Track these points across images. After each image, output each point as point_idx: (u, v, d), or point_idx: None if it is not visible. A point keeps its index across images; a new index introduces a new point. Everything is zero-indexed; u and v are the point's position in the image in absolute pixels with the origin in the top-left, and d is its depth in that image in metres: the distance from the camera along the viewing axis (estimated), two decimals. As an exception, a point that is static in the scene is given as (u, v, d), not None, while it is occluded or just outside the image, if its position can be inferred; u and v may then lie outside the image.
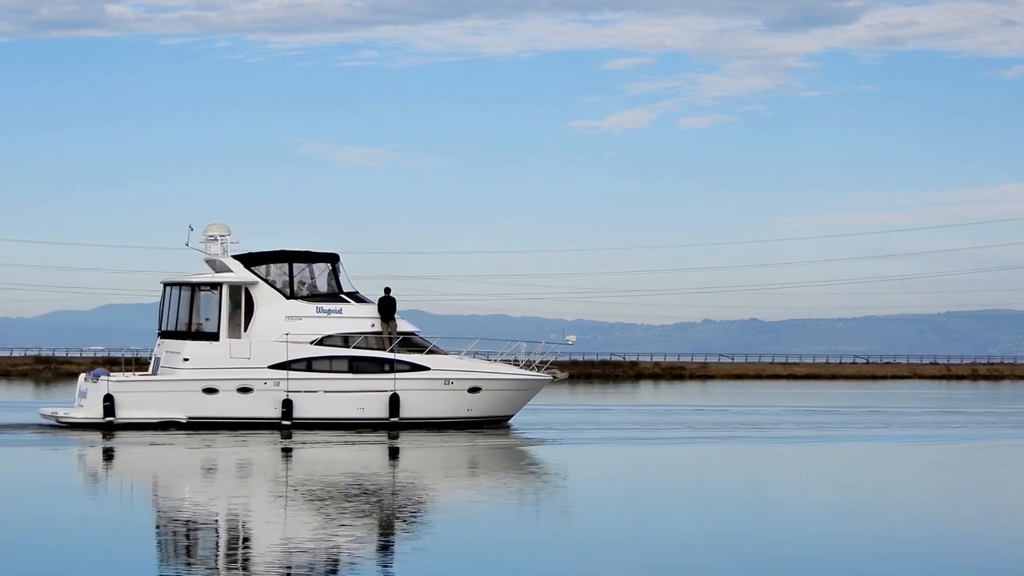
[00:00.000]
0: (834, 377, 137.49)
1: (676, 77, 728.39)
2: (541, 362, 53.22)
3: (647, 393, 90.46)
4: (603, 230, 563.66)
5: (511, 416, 52.22)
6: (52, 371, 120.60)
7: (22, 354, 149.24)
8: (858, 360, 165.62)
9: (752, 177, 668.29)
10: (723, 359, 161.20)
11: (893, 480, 34.70)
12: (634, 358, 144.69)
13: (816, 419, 58.37)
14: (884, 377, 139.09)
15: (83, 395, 49.63)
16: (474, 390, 50.95)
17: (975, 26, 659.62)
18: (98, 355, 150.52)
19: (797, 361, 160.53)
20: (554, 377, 53.32)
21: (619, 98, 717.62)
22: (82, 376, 50.91)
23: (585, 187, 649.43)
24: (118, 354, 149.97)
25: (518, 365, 52.48)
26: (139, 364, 53.04)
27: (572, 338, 55.03)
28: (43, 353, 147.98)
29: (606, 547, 22.18)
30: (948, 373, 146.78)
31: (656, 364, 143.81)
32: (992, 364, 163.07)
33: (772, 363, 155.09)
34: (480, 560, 20.83)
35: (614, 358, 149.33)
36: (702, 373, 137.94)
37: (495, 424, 51.26)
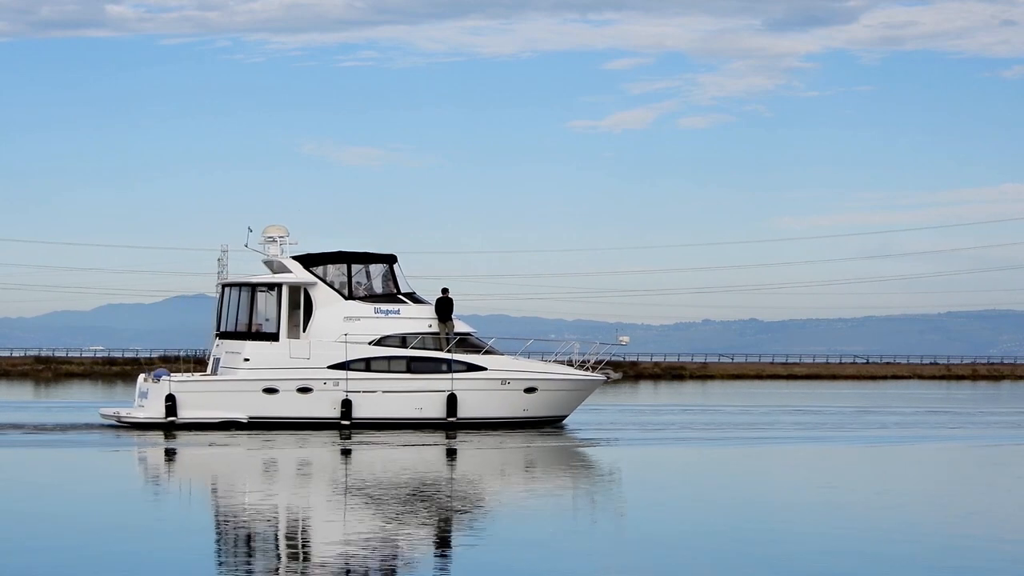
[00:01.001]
0: (834, 377, 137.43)
1: (676, 77, 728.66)
2: (596, 362, 53.51)
3: (687, 393, 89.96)
4: (603, 230, 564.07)
5: (566, 416, 52.36)
6: (52, 371, 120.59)
7: (22, 354, 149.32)
8: (858, 360, 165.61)
9: (751, 177, 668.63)
10: (723, 359, 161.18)
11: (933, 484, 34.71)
12: (634, 358, 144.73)
13: (879, 419, 58.67)
14: (884, 377, 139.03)
15: (143, 395, 49.55)
16: (530, 390, 51.08)
17: (975, 26, 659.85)
18: (98, 355, 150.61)
19: (797, 361, 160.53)
20: (608, 377, 53.47)
21: (619, 98, 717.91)
22: (141, 376, 50.85)
23: (585, 187, 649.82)
24: (118, 354, 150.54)
25: (571, 365, 52.74)
26: (197, 364, 52.98)
27: (625, 339, 55.26)
28: (43, 353, 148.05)
29: (660, 546, 22.17)
30: (948, 373, 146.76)
31: (656, 364, 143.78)
32: (992, 364, 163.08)
33: (772, 363, 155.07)
34: (537, 559, 20.77)
35: (614, 358, 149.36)
36: (702, 373, 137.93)
37: (550, 424, 51.41)
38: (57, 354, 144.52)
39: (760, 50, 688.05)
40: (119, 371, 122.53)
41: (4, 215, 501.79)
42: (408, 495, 28.50)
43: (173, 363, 56.38)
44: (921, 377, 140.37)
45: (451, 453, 41.31)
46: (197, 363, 53.14)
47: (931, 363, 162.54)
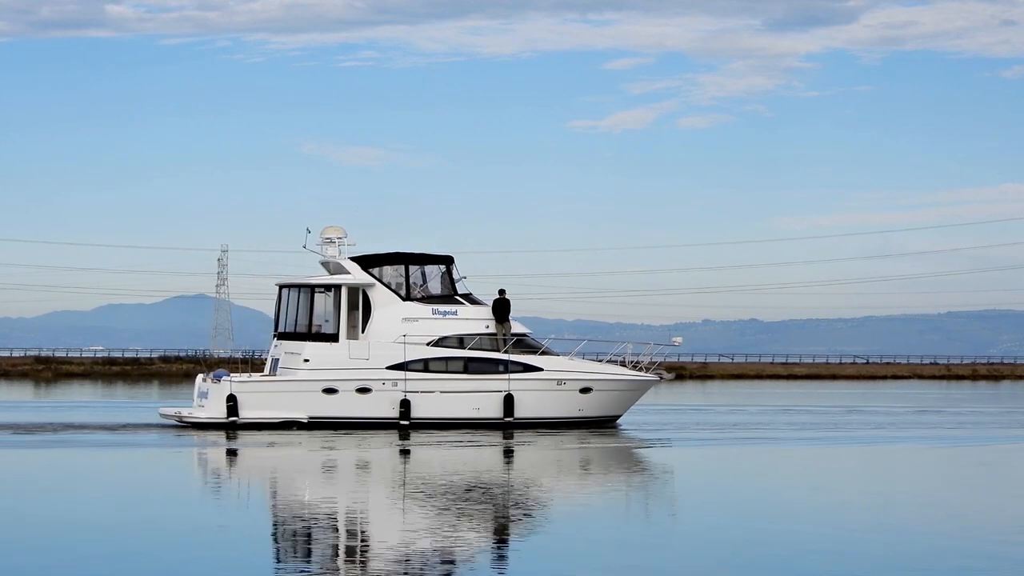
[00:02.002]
0: (834, 377, 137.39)
1: (676, 77, 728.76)
2: (650, 363, 53.88)
3: (745, 394, 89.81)
4: (603, 230, 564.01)
5: (619, 416, 52.60)
6: (52, 371, 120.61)
7: (22, 354, 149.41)
8: (858, 360, 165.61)
9: (751, 177, 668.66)
10: (723, 359, 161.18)
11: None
12: (634, 358, 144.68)
13: (931, 419, 58.90)
14: (884, 377, 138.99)
15: (203, 395, 49.63)
16: (585, 390, 51.33)
17: (975, 26, 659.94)
18: (98, 355, 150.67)
19: (797, 361, 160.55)
20: (660, 377, 53.89)
21: (619, 98, 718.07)
22: (200, 376, 50.93)
23: (585, 187, 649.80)
24: (118, 354, 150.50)
25: (625, 366, 53.08)
26: (255, 365, 53.16)
27: (679, 339, 55.76)
28: (43, 353, 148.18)
29: (716, 546, 22.13)
30: (948, 373, 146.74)
31: (656, 364, 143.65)
32: (992, 364, 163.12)
33: (772, 363, 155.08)
34: (595, 559, 20.72)
35: (614, 358, 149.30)
36: (702, 373, 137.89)
37: (604, 424, 51.57)
38: (57, 354, 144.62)
39: (760, 50, 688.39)
40: (119, 371, 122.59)
41: (4, 215, 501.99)
42: (466, 495, 28.56)
43: (230, 364, 57.25)
44: (921, 377, 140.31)
45: (508, 453, 41.37)
46: (254, 364, 53.25)
47: (931, 363, 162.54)
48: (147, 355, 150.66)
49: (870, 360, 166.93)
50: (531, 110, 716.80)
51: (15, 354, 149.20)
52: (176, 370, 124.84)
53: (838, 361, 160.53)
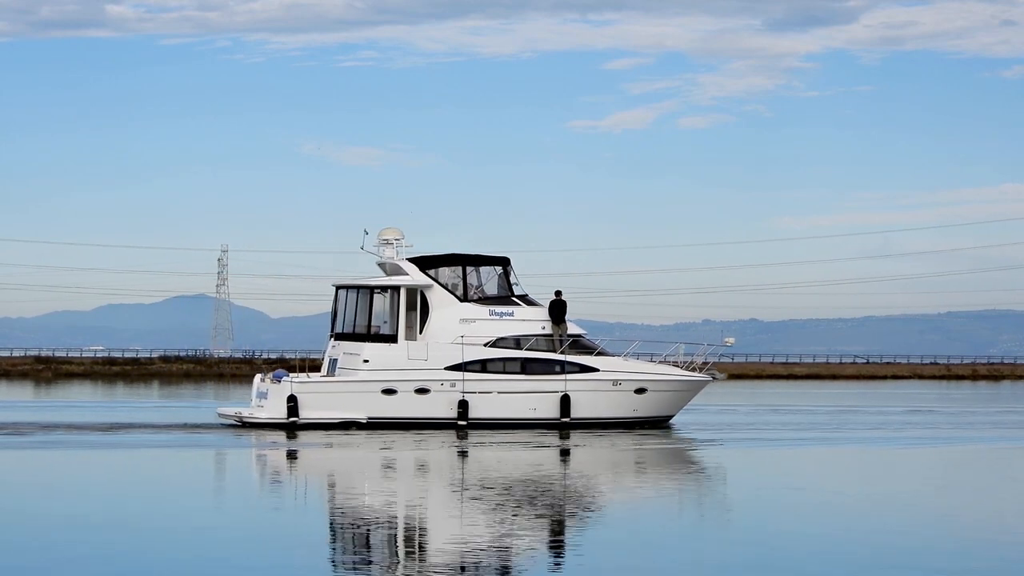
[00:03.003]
0: (834, 377, 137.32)
1: (676, 77, 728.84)
2: (703, 363, 54.22)
3: (795, 394, 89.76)
4: (603, 230, 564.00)
5: (672, 416, 52.85)
6: (52, 371, 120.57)
7: (22, 354, 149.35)
8: (858, 360, 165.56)
9: (752, 177, 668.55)
10: (723, 359, 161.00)
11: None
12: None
13: (977, 419, 59.24)
14: (884, 377, 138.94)
15: (262, 396, 49.72)
16: (640, 391, 51.66)
17: (975, 26, 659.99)
18: (98, 355, 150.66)
19: (797, 361, 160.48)
20: (713, 377, 54.26)
21: (619, 98, 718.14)
22: (258, 377, 51.08)
23: (585, 187, 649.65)
24: (118, 354, 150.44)
25: (677, 366, 53.38)
26: (313, 366, 53.39)
27: (731, 340, 56.23)
28: (43, 353, 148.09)
29: (768, 545, 22.12)
30: (948, 373, 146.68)
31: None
32: (992, 364, 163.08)
33: (772, 363, 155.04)
34: (650, 559, 20.74)
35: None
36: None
37: (658, 424, 51.80)
38: (57, 354, 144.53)
39: (760, 50, 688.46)
40: (119, 371, 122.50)
41: (4, 215, 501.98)
42: (523, 494, 28.60)
43: (288, 364, 58.04)
44: (921, 377, 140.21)
45: (564, 453, 41.35)
46: (311, 366, 53.44)
47: (931, 363, 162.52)
48: (147, 355, 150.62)
49: (870, 360, 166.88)
50: (531, 110, 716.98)
51: (15, 354, 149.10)
52: (176, 370, 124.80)
53: (838, 361, 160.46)
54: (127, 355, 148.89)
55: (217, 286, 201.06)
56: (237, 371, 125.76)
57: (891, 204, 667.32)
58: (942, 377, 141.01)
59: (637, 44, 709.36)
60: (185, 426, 48.55)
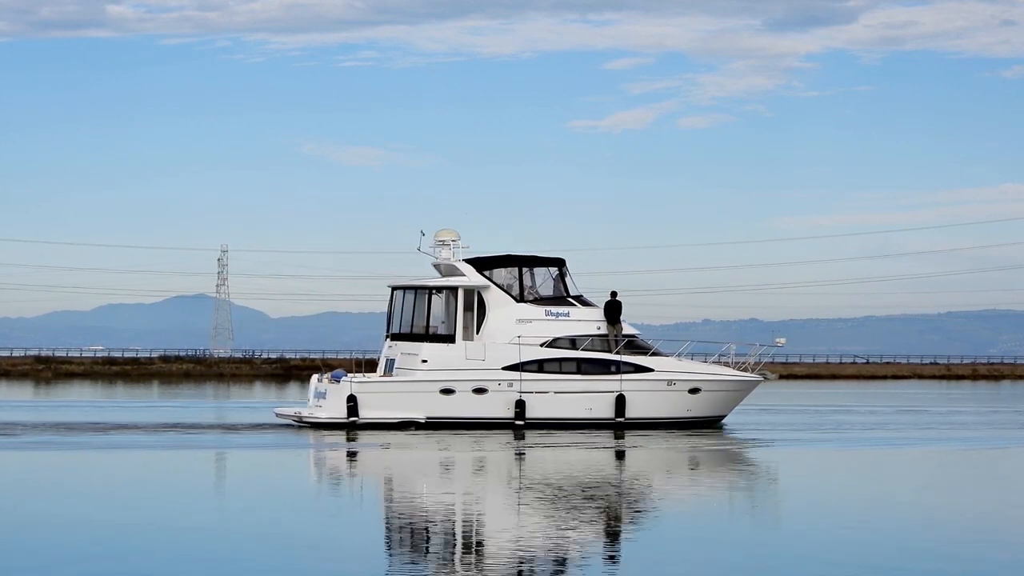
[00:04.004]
0: (834, 377, 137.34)
1: (676, 77, 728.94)
2: (755, 363, 54.58)
3: (848, 394, 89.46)
4: (603, 230, 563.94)
5: (725, 416, 53.10)
6: (52, 371, 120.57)
7: (22, 354, 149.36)
8: (858, 360, 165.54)
9: (752, 177, 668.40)
10: (723, 359, 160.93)
11: None
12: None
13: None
14: (884, 377, 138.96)
15: (321, 396, 49.81)
16: (694, 391, 51.98)
17: (975, 26, 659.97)
18: (98, 355, 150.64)
19: (797, 361, 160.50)
20: (765, 378, 54.62)
21: (619, 98, 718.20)
22: (315, 377, 51.17)
23: (585, 187, 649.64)
24: (118, 354, 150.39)
25: (729, 367, 53.69)
26: (368, 366, 53.58)
27: (782, 340, 56.35)
28: (43, 353, 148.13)
29: (816, 545, 22.05)
30: (948, 373, 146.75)
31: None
32: (992, 364, 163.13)
33: (772, 363, 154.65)
34: (705, 560, 20.68)
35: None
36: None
37: (710, 424, 52.04)
38: (57, 354, 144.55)
39: (760, 50, 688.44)
40: (119, 371, 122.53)
41: (4, 215, 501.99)
42: (580, 494, 28.61)
43: (344, 364, 58.62)
44: (921, 377, 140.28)
45: (621, 454, 41.30)
46: (367, 365, 53.60)
47: (931, 363, 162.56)
48: (147, 355, 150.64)
49: (870, 360, 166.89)
50: (531, 110, 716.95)
51: (15, 354, 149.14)
52: (176, 370, 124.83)
53: (838, 361, 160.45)
54: (127, 355, 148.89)
55: (217, 286, 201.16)
56: (237, 371, 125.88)
57: (891, 204, 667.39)
58: (942, 377, 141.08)
59: (637, 44, 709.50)
60: (241, 427, 48.68)
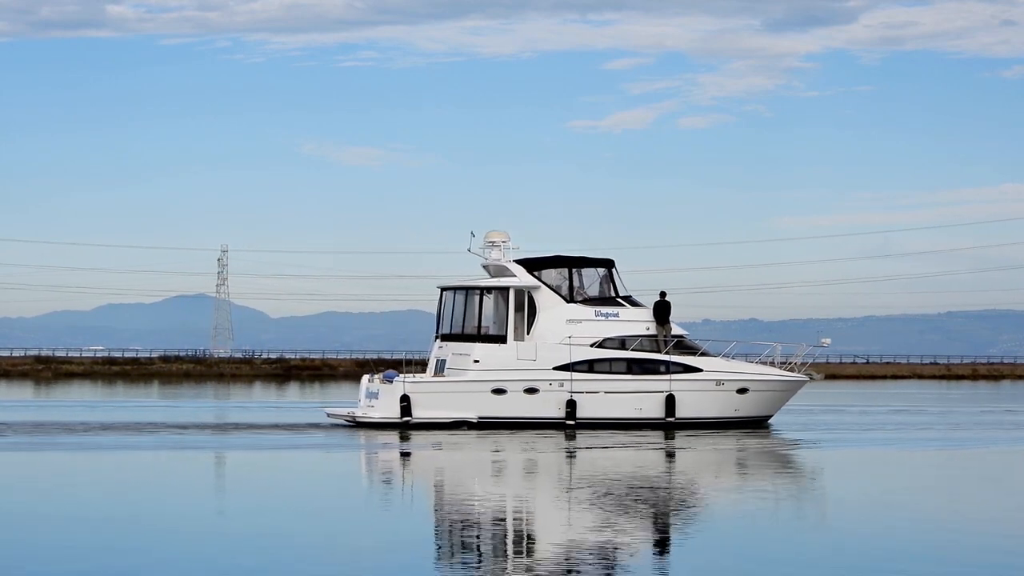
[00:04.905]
0: (834, 377, 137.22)
1: (676, 77, 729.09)
2: (801, 363, 55.02)
3: (888, 395, 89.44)
4: (603, 230, 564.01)
5: (771, 416, 53.39)
6: (52, 371, 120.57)
7: (22, 354, 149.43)
8: (858, 360, 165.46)
9: (751, 177, 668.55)
10: (769, 359, 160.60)
11: None
12: (784, 360, 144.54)
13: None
14: (884, 377, 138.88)
15: (372, 396, 49.94)
16: (742, 391, 52.34)
17: (975, 26, 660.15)
18: (98, 355, 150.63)
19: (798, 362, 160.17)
20: (811, 378, 54.98)
21: (619, 98, 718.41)
22: (366, 377, 51.22)
23: (585, 187, 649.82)
24: (118, 354, 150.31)
25: (774, 367, 54.05)
26: (419, 365, 53.66)
27: (827, 340, 56.83)
28: (43, 353, 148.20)
29: (872, 548, 21.80)
30: (948, 373, 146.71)
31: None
32: (992, 364, 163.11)
33: (772, 363, 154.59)
34: (755, 560, 20.62)
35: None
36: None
37: (757, 424, 52.27)
38: (57, 354, 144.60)
39: (760, 50, 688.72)
40: (119, 371, 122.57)
41: (4, 215, 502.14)
42: (631, 494, 28.63)
43: (395, 364, 59.05)
44: (921, 377, 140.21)
45: (671, 454, 41.23)
46: (419, 365, 53.66)
47: (931, 363, 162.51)
48: (147, 355, 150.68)
49: (870, 360, 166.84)
50: (531, 110, 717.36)
51: (15, 354, 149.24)
52: (176, 370, 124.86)
53: (838, 361, 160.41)
54: (127, 355, 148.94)
55: (217, 286, 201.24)
56: (237, 371, 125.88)
57: (891, 204, 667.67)
58: (942, 377, 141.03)
59: (637, 44, 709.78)
60: (294, 427, 48.79)
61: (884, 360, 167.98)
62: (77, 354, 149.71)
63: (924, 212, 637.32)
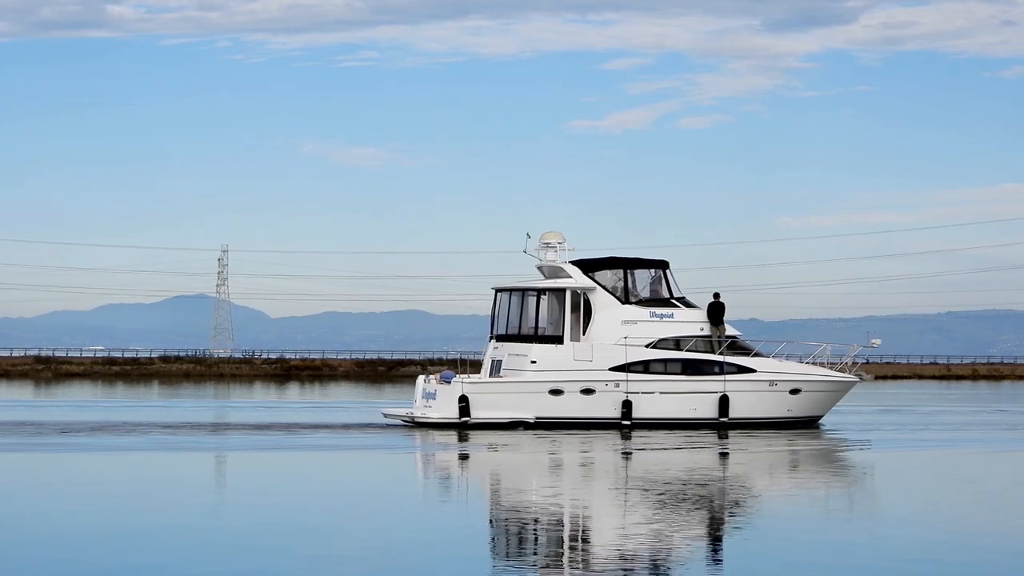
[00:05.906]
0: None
1: (676, 77, 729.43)
2: (852, 363, 55.70)
3: (930, 395, 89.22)
4: (603, 230, 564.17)
5: (822, 416, 53.80)
6: (52, 371, 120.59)
7: (22, 354, 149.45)
8: (858, 360, 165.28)
9: (751, 177, 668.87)
10: (818, 360, 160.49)
11: None
12: (834, 360, 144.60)
13: None
14: (884, 377, 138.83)
15: (429, 396, 50.17)
16: (795, 391, 53.00)
17: (975, 26, 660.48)
18: (98, 355, 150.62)
19: (797, 361, 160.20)
20: (861, 378, 55.54)
21: (619, 98, 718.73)
22: (421, 378, 51.44)
23: (585, 187, 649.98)
24: (118, 354, 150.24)
25: (824, 367, 54.52)
26: (472, 365, 53.76)
27: (877, 341, 57.45)
28: (43, 353, 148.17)
29: (926, 549, 21.83)
30: (948, 373, 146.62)
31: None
32: (992, 364, 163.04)
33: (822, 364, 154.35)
34: (808, 560, 20.62)
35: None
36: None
37: (808, 424, 52.64)
38: (57, 354, 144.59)
39: (760, 50, 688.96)
40: (119, 371, 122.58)
41: (4, 215, 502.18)
42: (686, 494, 28.70)
43: (451, 365, 59.51)
44: (921, 377, 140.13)
45: (725, 455, 41.17)
46: (472, 365, 53.84)
47: (931, 363, 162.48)
48: (147, 355, 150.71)
49: (870, 360, 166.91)
50: (531, 110, 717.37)
51: (15, 354, 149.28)
52: (176, 370, 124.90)
53: (838, 361, 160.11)
54: (127, 355, 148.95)
55: (217, 286, 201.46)
56: (237, 371, 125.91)
57: (891, 204, 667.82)
58: (942, 377, 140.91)
59: (637, 44, 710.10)
60: (350, 427, 48.95)
61: (884, 360, 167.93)
62: (77, 354, 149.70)
63: (924, 212, 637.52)
